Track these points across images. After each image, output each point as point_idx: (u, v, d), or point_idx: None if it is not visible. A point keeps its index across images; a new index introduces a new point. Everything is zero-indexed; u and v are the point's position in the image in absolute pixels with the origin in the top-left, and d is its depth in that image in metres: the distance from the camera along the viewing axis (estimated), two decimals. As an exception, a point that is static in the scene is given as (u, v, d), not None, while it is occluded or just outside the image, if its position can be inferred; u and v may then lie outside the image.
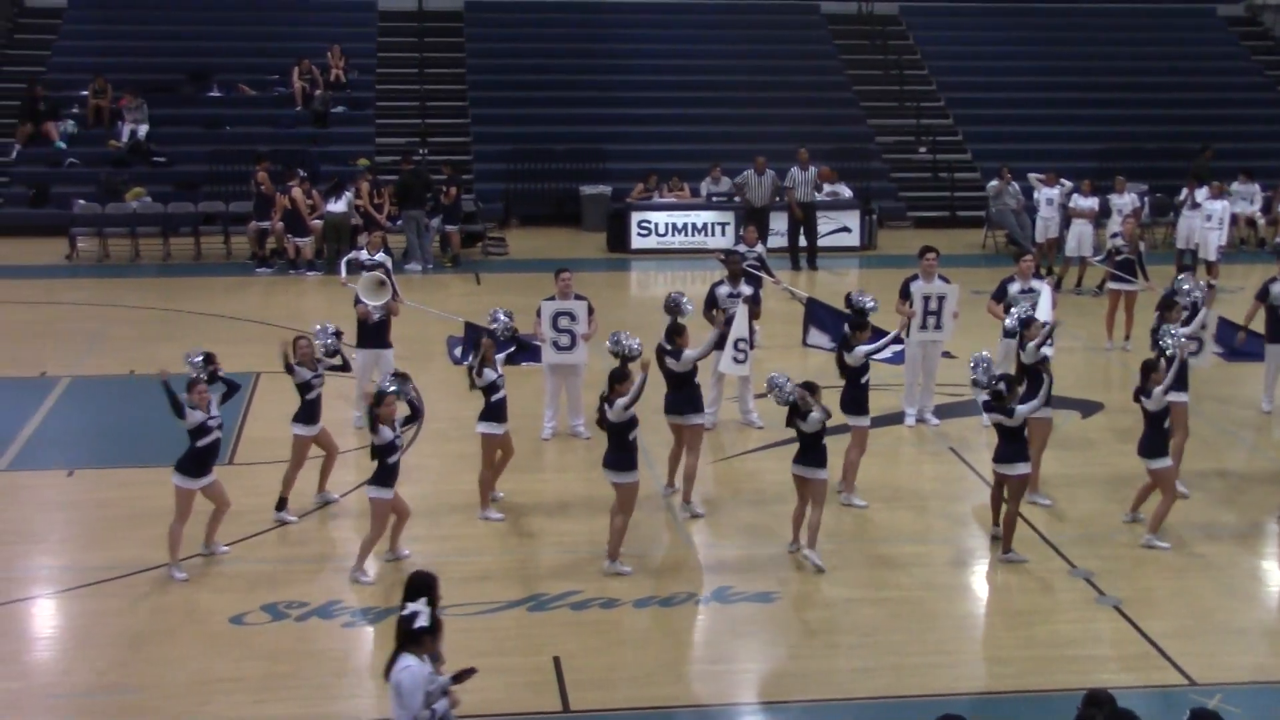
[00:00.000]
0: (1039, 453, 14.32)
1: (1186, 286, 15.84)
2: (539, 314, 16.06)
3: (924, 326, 16.86)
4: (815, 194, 26.81)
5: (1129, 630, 12.06)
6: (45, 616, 12.35)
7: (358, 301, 16.13)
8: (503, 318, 14.79)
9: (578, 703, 10.84)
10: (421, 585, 8.67)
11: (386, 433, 12.43)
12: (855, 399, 14.47)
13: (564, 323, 16.13)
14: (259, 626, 11.91)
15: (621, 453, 12.75)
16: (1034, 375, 13.78)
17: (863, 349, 14.32)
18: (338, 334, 14.39)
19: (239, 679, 11.05)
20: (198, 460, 12.81)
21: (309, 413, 14.08)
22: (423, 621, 8.49)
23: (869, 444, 14.85)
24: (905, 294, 16.85)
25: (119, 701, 10.72)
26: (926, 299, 16.80)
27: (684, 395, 14.45)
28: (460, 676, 8.50)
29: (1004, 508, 13.45)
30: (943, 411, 17.44)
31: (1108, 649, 11.82)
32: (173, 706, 10.67)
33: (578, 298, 16.33)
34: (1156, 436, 13.50)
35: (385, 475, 12.56)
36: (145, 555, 13.18)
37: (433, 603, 8.63)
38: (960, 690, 11.14)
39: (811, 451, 12.97)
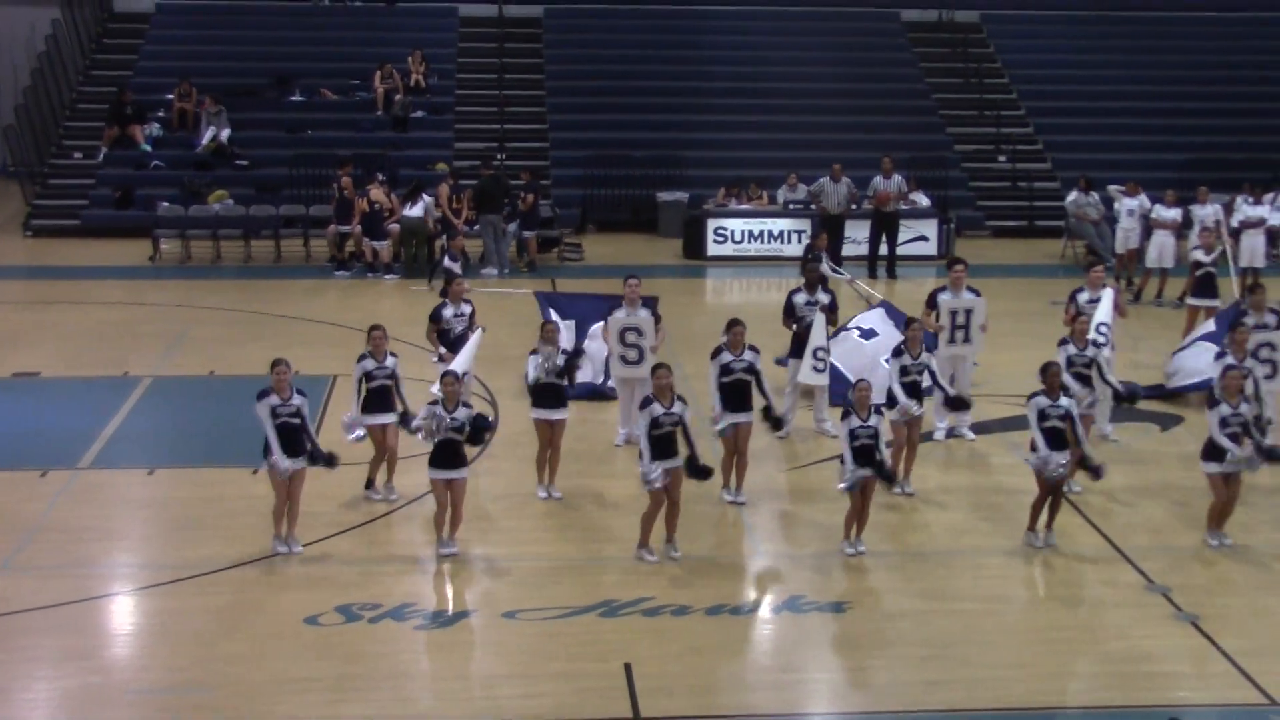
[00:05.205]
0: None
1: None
2: (605, 327, 16.10)
3: (952, 340, 16.64)
4: (900, 204, 26.57)
5: (1207, 647, 11.88)
6: (124, 613, 12.52)
7: (438, 319, 16.07)
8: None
9: (648, 709, 10.83)
10: None
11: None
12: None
13: (631, 338, 16.15)
14: (333, 627, 12.00)
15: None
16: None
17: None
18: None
19: (312, 679, 11.14)
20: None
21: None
22: None
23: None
24: (933, 305, 16.69)
25: (194, 699, 10.84)
26: (954, 313, 16.59)
27: None
28: None
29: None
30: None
31: (1185, 665, 11.66)
32: (247, 705, 10.78)
33: (646, 301, 16.36)
34: None
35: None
36: (223, 554, 13.33)
37: None
38: (1034, 704, 11.04)
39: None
